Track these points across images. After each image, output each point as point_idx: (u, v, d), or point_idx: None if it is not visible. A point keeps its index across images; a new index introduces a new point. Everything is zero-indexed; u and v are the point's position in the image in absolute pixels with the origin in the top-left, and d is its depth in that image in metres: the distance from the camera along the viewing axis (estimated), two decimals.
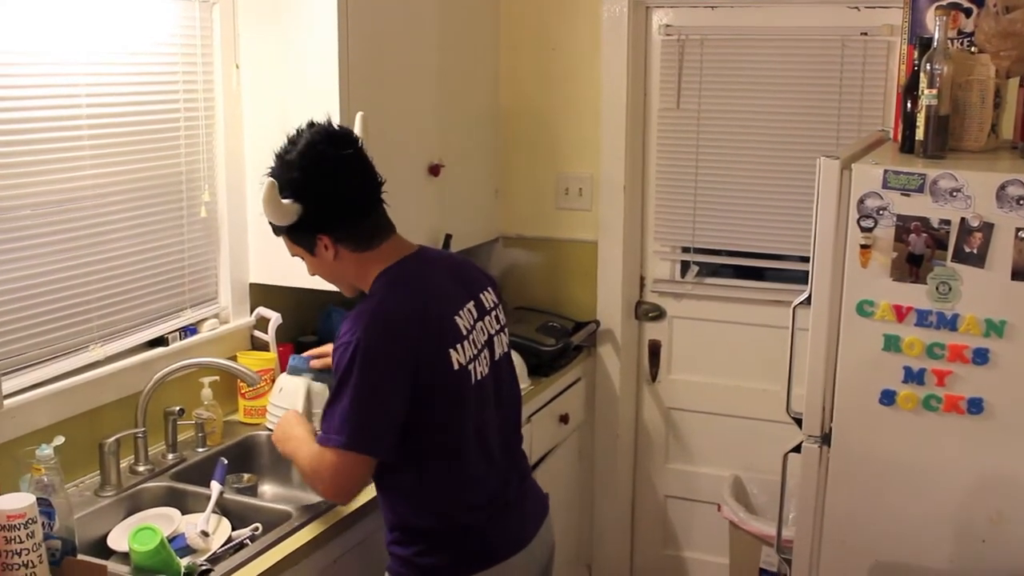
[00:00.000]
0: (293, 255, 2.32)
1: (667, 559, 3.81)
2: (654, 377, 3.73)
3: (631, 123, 3.53)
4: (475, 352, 2.23)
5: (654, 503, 3.82)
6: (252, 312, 3.02)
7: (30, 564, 1.99)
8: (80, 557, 2.14)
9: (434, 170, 3.18)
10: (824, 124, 3.29)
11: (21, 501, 2.01)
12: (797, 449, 2.49)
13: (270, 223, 2.25)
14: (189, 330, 2.85)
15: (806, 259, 2.54)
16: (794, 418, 2.50)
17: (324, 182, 2.17)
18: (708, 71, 3.44)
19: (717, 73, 3.44)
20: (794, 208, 3.33)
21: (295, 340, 3.12)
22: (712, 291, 3.61)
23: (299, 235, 2.22)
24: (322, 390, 2.57)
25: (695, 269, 3.63)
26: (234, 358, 2.92)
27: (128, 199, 2.61)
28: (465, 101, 3.42)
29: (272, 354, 2.97)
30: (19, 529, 1.99)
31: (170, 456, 2.67)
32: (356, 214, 2.21)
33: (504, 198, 3.69)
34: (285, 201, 2.15)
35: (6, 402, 2.29)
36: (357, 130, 2.33)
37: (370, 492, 2.41)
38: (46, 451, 2.13)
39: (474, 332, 2.24)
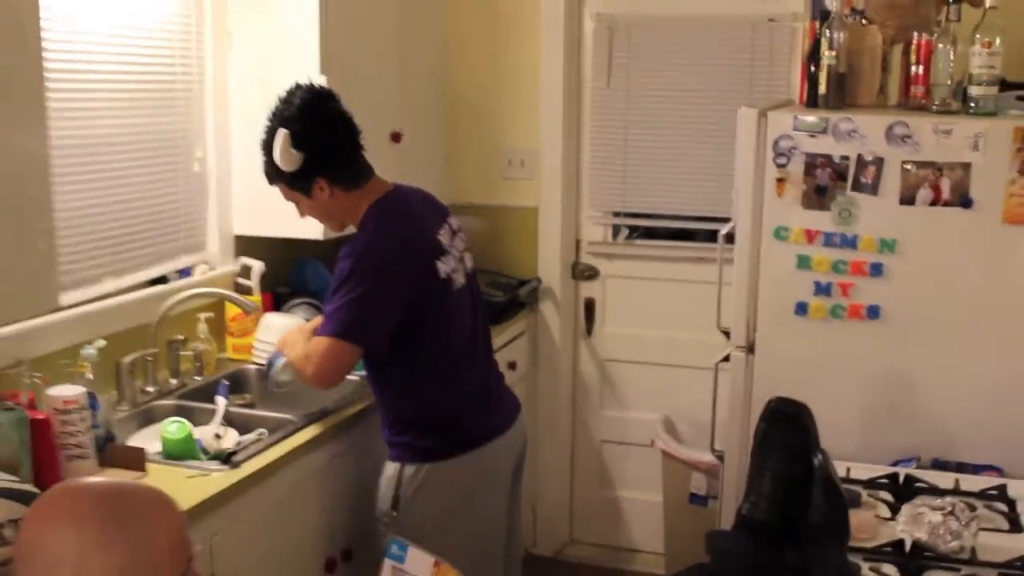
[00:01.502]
0: (288, 199, 2.67)
1: (604, 499, 4.19)
2: (589, 331, 4.14)
3: (567, 101, 3.95)
4: (454, 265, 2.63)
5: (591, 447, 4.21)
6: (236, 260, 3.34)
7: (82, 446, 2.29)
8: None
9: (395, 137, 3.54)
10: (737, 99, 3.71)
11: (74, 390, 2.31)
12: (727, 359, 2.91)
13: (268, 173, 2.61)
14: (184, 272, 3.17)
15: (724, 219, 2.98)
16: (723, 331, 2.92)
17: (320, 133, 2.55)
18: (635, 53, 3.87)
19: (643, 55, 3.87)
20: (713, 173, 3.77)
21: (271, 290, 3.44)
22: (641, 251, 4.03)
23: (298, 180, 2.58)
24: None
25: (625, 232, 4.06)
26: (222, 302, 3.23)
27: (135, 150, 2.91)
28: (419, 79, 3.78)
29: (257, 297, 3.29)
30: (72, 413, 2.29)
31: (173, 381, 2.97)
32: (346, 159, 2.59)
33: (453, 169, 4.06)
34: (292, 151, 2.52)
35: (32, 322, 2.57)
36: (278, 143, 2.56)
37: (366, 399, 2.77)
38: (90, 351, 2.44)
39: (451, 248, 2.64)
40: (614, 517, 4.18)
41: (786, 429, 1.94)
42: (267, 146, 2.57)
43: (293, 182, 2.59)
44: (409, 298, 2.52)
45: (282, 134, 2.50)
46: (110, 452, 2.39)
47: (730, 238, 2.96)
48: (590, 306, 4.13)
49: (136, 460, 2.36)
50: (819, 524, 1.84)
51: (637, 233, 4.08)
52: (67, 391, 2.31)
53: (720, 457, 2.96)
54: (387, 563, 1.81)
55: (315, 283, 3.51)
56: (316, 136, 2.54)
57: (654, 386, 4.05)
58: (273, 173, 2.61)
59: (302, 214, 2.70)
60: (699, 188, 3.85)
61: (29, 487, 1.96)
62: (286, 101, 2.58)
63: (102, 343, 2.51)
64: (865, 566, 2.07)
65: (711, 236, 3.86)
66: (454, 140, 4.05)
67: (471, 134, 4.05)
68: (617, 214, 4.03)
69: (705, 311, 3.21)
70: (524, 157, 4.02)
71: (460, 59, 4.01)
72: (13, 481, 1.96)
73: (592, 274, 4.10)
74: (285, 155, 2.52)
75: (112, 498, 1.43)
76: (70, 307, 2.70)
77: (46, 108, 2.17)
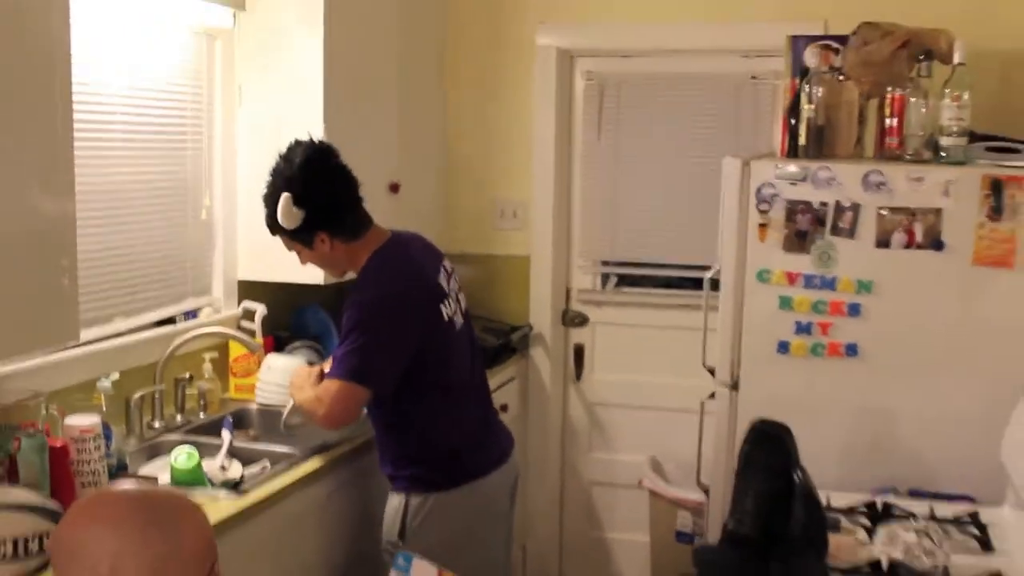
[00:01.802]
0: (290, 250, 2.80)
1: (593, 540, 4.29)
2: (579, 376, 4.27)
3: (559, 154, 4.12)
4: (454, 307, 2.75)
5: (580, 488, 4.31)
6: (239, 304, 3.47)
7: (95, 473, 2.39)
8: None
9: (394, 188, 3.69)
10: (721, 152, 3.86)
11: (90, 419, 2.43)
12: (712, 396, 3.04)
13: (269, 225, 2.74)
14: (190, 314, 3.29)
15: (707, 268, 3.14)
16: (708, 369, 3.05)
17: (321, 190, 2.68)
18: (624, 110, 4.05)
19: (632, 112, 4.05)
20: (697, 224, 3.92)
21: (272, 333, 3.56)
22: (628, 299, 4.18)
23: (300, 235, 2.71)
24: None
25: (614, 280, 4.20)
26: (226, 344, 3.36)
27: (147, 198, 3.05)
28: (418, 133, 3.95)
29: (259, 340, 3.41)
30: (88, 442, 2.40)
31: (178, 418, 3.08)
32: (346, 212, 2.73)
33: (448, 218, 4.21)
34: (295, 210, 2.65)
35: (48, 358, 2.69)
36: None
37: (365, 435, 2.89)
38: (105, 384, 2.56)
39: (450, 291, 2.77)
40: (603, 556, 4.28)
41: (769, 449, 2.06)
42: (268, 200, 2.70)
43: (294, 236, 2.71)
44: (415, 343, 2.64)
45: (284, 197, 2.63)
46: (121, 480, 2.49)
47: (715, 284, 3.10)
48: (579, 352, 4.26)
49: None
50: (800, 536, 1.96)
51: (625, 281, 4.22)
52: (84, 420, 2.42)
53: (706, 491, 3.08)
54: (394, 574, 1.91)
55: (315, 327, 3.64)
56: (316, 194, 2.66)
57: (641, 429, 4.17)
58: (275, 226, 2.73)
59: (303, 262, 2.83)
60: (684, 238, 4.01)
61: (54, 504, 2.06)
62: (287, 159, 2.70)
63: (116, 376, 2.63)
64: None
65: (696, 284, 4.01)
66: (449, 191, 4.21)
67: (465, 186, 4.21)
68: (606, 263, 4.18)
69: (690, 356, 3.34)
70: (516, 208, 4.18)
71: (456, 114, 4.19)
72: (37, 499, 2.07)
73: (582, 321, 4.24)
74: (287, 215, 2.65)
75: (145, 502, 1.55)
76: (83, 344, 2.81)
77: (73, 158, 2.30)
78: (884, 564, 2.27)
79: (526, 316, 4.18)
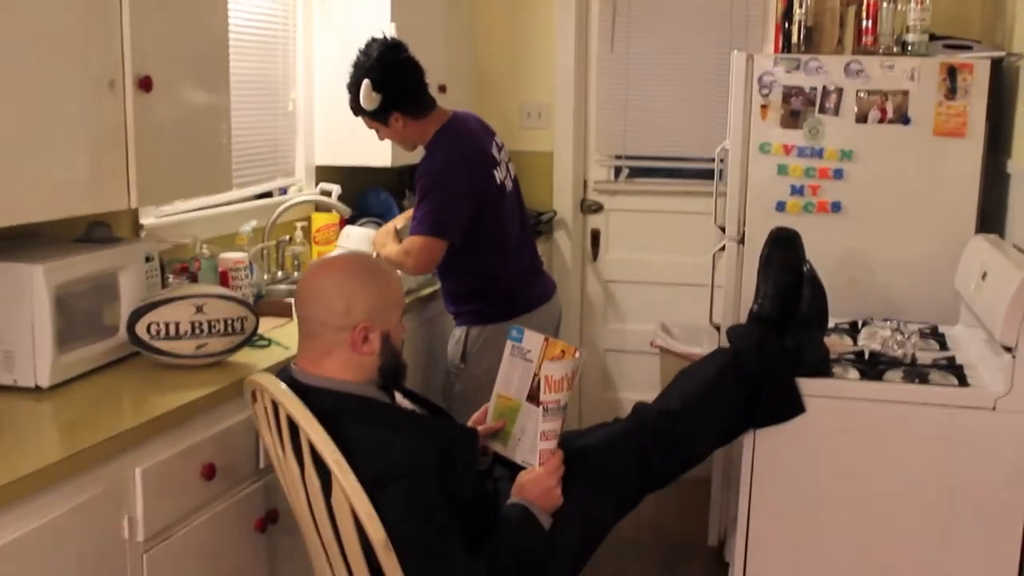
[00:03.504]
0: (370, 128, 3.40)
1: (608, 400, 4.96)
2: (595, 257, 4.93)
3: (577, 63, 4.75)
4: (504, 174, 3.38)
5: (596, 356, 4.99)
6: (317, 186, 4.08)
7: (245, 296, 3.03)
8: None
9: (442, 88, 4.29)
10: (719, 57, 4.53)
11: (241, 255, 3.06)
12: (723, 249, 3.70)
13: (353, 109, 3.31)
14: (282, 191, 3.91)
15: (710, 159, 3.77)
16: (719, 227, 3.71)
17: (394, 78, 3.26)
18: (634, 23, 4.68)
19: (640, 24, 4.68)
20: (698, 121, 4.58)
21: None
22: (639, 188, 4.83)
23: (378, 115, 3.30)
24: None
25: (626, 172, 4.85)
26: (308, 218, 3.97)
27: (248, 91, 3.65)
28: (453, 44, 4.55)
29: (335, 215, 4.02)
30: (240, 271, 3.04)
31: (279, 273, 3.70)
32: (415, 95, 3.32)
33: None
34: (374, 94, 3.25)
35: (186, 215, 3.30)
36: (364, 89, 3.29)
37: (433, 286, 3.52)
38: (247, 228, 3.18)
39: (500, 161, 3.39)
40: (617, 412, 4.94)
41: (783, 249, 2.71)
42: (352, 88, 3.27)
43: (374, 116, 3.30)
44: (476, 200, 3.27)
45: (365, 83, 3.20)
46: (262, 304, 3.12)
47: (720, 174, 3.74)
48: (596, 236, 4.91)
49: (284, 308, 3.10)
50: (807, 313, 2.62)
51: (636, 173, 4.87)
52: (236, 255, 3.05)
53: (717, 328, 3.74)
54: (509, 344, 2.51)
55: (377, 207, 4.25)
56: (390, 81, 3.24)
57: (651, 302, 4.83)
58: (358, 109, 3.31)
59: (381, 139, 3.43)
60: (687, 133, 4.66)
61: (242, 296, 2.69)
62: (365, 53, 3.28)
63: (254, 223, 3.24)
64: (836, 368, 2.86)
65: (697, 173, 4.69)
66: (482, 96, 4.82)
67: (496, 91, 4.83)
68: (619, 157, 4.83)
69: (693, 237, 4.00)
70: (540, 110, 4.81)
71: (487, 31, 4.80)
72: (237, 294, 2.70)
73: (597, 208, 4.89)
74: (368, 98, 3.24)
75: (362, 261, 2.21)
76: (212, 206, 3.43)
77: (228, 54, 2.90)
78: (866, 354, 2.95)
79: (550, 204, 4.83)
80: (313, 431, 2.00)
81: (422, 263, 3.24)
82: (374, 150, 3.82)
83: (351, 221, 4.10)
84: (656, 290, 4.82)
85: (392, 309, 2.21)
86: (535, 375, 2.41)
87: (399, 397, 2.30)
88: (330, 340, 2.15)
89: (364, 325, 2.14)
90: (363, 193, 4.30)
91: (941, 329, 3.28)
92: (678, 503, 4.39)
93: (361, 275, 2.17)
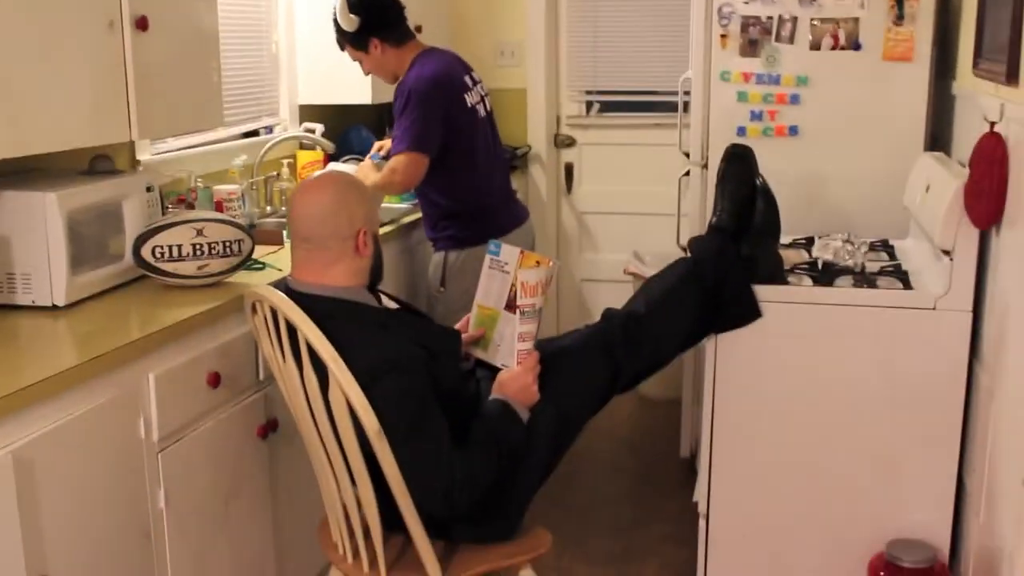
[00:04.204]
0: (354, 59, 3.58)
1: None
2: (569, 189, 5.14)
3: (547, 2, 4.92)
4: (477, 100, 3.58)
5: (572, 285, 5.21)
6: (300, 124, 4.26)
7: (238, 225, 3.22)
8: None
9: (418, 29, 4.46)
10: None
11: (234, 186, 3.25)
12: (687, 174, 3.91)
13: (338, 41, 3.51)
14: (267, 130, 4.09)
15: (673, 92, 3.96)
16: (684, 153, 3.92)
17: (370, 2, 3.46)
18: None
19: None
20: (667, 55, 4.77)
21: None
22: (609, 122, 5.05)
23: (358, 41, 3.49)
24: None
25: (596, 107, 5.05)
26: (293, 156, 4.16)
27: (232, 35, 3.82)
28: None
29: (319, 152, 4.21)
30: (233, 202, 3.24)
31: (268, 208, 3.90)
32: (393, 22, 3.53)
33: None
34: (351, 15, 3.43)
35: (180, 152, 3.49)
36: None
37: (413, 215, 3.73)
38: (237, 162, 3.37)
39: (474, 89, 3.60)
40: None
41: (737, 164, 2.92)
42: (336, 20, 3.48)
43: (355, 42, 3.50)
44: (448, 118, 3.45)
45: (341, 2, 3.41)
46: (256, 233, 3.31)
47: (686, 107, 3.94)
48: (569, 169, 5.12)
49: (275, 236, 3.29)
50: (761, 223, 2.84)
51: (606, 107, 5.07)
52: (230, 186, 3.25)
53: (685, 250, 3.95)
54: (487, 258, 2.71)
55: (359, 144, 4.44)
56: (368, 3, 3.46)
57: (623, 231, 5.05)
58: (341, 39, 3.51)
59: (365, 71, 3.62)
60: (655, 67, 4.87)
61: (237, 220, 2.90)
62: None
63: (244, 157, 3.44)
64: (792, 278, 3.08)
65: (666, 106, 4.88)
66: (457, 36, 4.99)
67: (470, 31, 5.01)
68: (590, 92, 5.02)
69: (663, 168, 4.20)
70: (513, 49, 4.99)
71: None
72: (231, 217, 2.90)
73: (570, 142, 5.09)
74: (344, 17, 3.44)
75: (339, 174, 2.43)
76: (205, 144, 3.62)
77: None
78: (819, 264, 3.18)
79: (525, 139, 5.02)
80: (310, 331, 2.21)
81: (409, 177, 3.44)
82: (355, 88, 4.03)
83: (334, 158, 4.31)
84: (628, 220, 5.04)
85: (375, 211, 2.44)
86: (512, 285, 2.61)
87: (386, 300, 2.52)
88: (338, 250, 2.36)
89: (363, 229, 2.36)
90: (345, 132, 4.49)
91: (891, 242, 3.50)
92: (651, 422, 4.65)
93: (348, 187, 2.39)
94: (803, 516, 3.03)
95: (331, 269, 2.36)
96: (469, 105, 3.53)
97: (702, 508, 3.11)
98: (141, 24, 2.64)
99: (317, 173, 2.59)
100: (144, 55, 2.68)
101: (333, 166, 4.05)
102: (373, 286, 2.47)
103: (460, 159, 3.51)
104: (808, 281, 3.04)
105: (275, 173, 3.90)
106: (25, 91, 2.32)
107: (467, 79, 3.60)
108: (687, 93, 3.93)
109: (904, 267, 3.17)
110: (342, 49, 3.58)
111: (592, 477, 4.17)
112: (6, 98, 2.26)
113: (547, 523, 2.64)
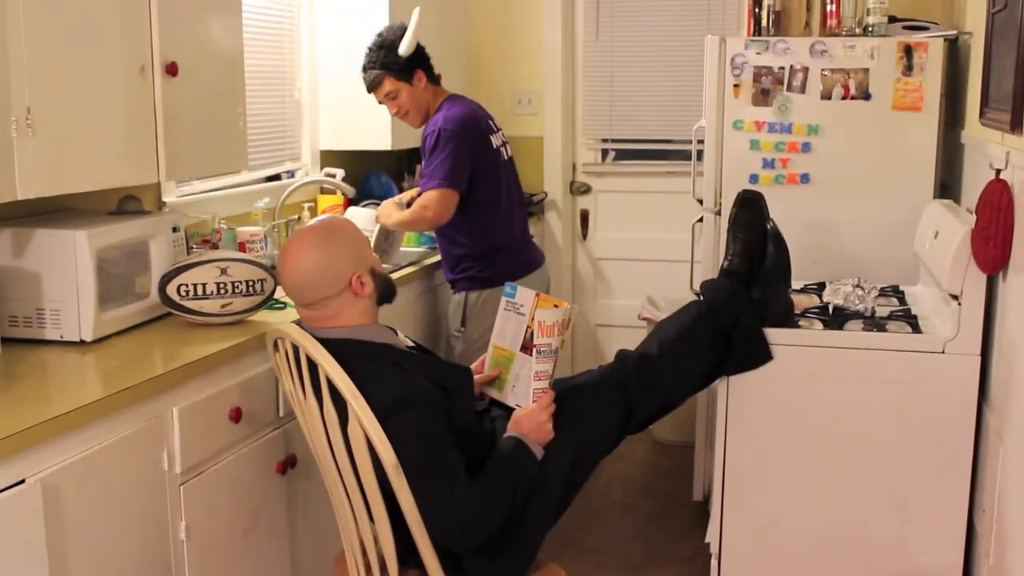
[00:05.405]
0: (388, 95, 3.62)
1: None
2: (584, 236, 5.21)
3: (564, 51, 5.04)
4: (500, 143, 3.67)
5: (587, 330, 5.27)
6: (321, 169, 4.35)
7: (261, 265, 3.29)
8: None
9: (439, 78, 4.57)
10: (697, 42, 4.80)
11: (257, 228, 3.33)
12: (700, 220, 3.98)
13: (375, 79, 3.58)
14: (289, 174, 4.19)
15: (687, 141, 4.05)
16: (697, 200, 3.99)
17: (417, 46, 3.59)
18: (617, 12, 4.98)
19: (623, 13, 4.97)
20: (679, 104, 4.87)
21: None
22: (624, 169, 5.13)
23: (406, 69, 3.58)
24: None
25: (612, 155, 5.14)
26: (314, 199, 4.25)
27: (259, 75, 3.92)
28: (449, 37, 4.83)
29: (340, 196, 4.30)
30: (256, 243, 3.31)
31: None
32: (429, 61, 3.64)
33: None
34: (411, 41, 3.53)
35: (206, 195, 3.58)
36: (413, 23, 3.65)
37: (433, 258, 3.81)
38: (260, 204, 3.45)
39: (496, 134, 3.69)
40: None
41: (748, 209, 2.99)
42: (369, 63, 3.58)
43: (402, 71, 3.59)
44: (475, 157, 3.55)
45: (414, 21, 3.54)
46: (277, 274, 3.39)
47: (699, 155, 4.02)
48: (584, 216, 5.20)
49: None
50: (772, 267, 2.89)
51: (622, 155, 5.15)
52: (253, 229, 3.33)
53: (698, 294, 4.01)
54: (503, 299, 2.77)
55: (379, 189, 4.53)
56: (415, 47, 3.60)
57: (638, 277, 5.11)
58: (384, 71, 3.58)
59: (397, 107, 3.67)
60: (670, 116, 4.95)
61: (260, 260, 2.97)
62: (382, 32, 3.62)
63: (267, 199, 3.52)
64: (802, 322, 3.13)
65: (680, 154, 4.96)
66: (475, 84, 5.10)
67: (489, 78, 5.11)
68: (605, 140, 5.11)
69: (677, 215, 4.26)
70: (531, 97, 5.09)
71: (478, 21, 5.07)
72: (255, 258, 2.97)
73: (586, 189, 5.17)
74: (407, 42, 3.53)
75: (314, 229, 2.49)
76: (229, 187, 3.72)
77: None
78: (830, 308, 3.23)
79: (541, 186, 5.10)
80: (331, 367, 2.27)
81: (440, 213, 3.51)
82: (375, 134, 4.12)
83: (354, 202, 4.40)
84: (643, 266, 5.10)
85: (363, 248, 2.50)
86: (528, 327, 2.67)
87: (401, 335, 2.58)
88: (337, 302, 2.43)
89: (355, 274, 2.42)
90: (365, 177, 4.58)
91: (902, 288, 3.55)
92: (665, 466, 4.69)
93: (327, 238, 2.45)
94: (814, 557, 3.05)
95: (337, 318, 2.44)
96: (494, 146, 3.64)
97: (714, 548, 3.14)
98: (171, 70, 2.74)
99: (298, 229, 2.66)
100: (173, 100, 2.77)
101: (352, 211, 4.14)
102: (388, 301, 2.54)
103: (484, 199, 3.60)
104: (819, 325, 3.09)
105: (296, 216, 3.98)
106: (59, 132, 2.41)
107: (491, 123, 3.70)
108: (700, 141, 4.00)
109: (914, 311, 3.22)
110: (376, 86, 3.63)
111: (606, 517, 4.20)
112: (42, 139, 2.35)
113: (560, 562, 2.68)
